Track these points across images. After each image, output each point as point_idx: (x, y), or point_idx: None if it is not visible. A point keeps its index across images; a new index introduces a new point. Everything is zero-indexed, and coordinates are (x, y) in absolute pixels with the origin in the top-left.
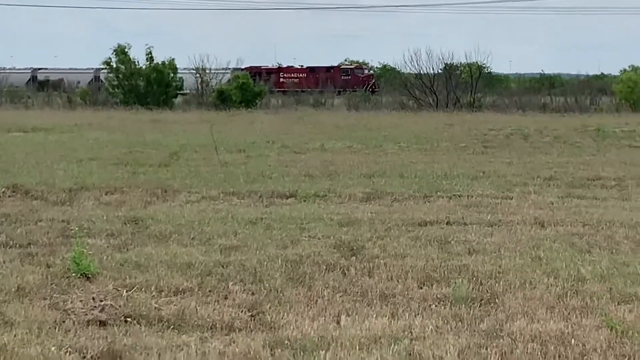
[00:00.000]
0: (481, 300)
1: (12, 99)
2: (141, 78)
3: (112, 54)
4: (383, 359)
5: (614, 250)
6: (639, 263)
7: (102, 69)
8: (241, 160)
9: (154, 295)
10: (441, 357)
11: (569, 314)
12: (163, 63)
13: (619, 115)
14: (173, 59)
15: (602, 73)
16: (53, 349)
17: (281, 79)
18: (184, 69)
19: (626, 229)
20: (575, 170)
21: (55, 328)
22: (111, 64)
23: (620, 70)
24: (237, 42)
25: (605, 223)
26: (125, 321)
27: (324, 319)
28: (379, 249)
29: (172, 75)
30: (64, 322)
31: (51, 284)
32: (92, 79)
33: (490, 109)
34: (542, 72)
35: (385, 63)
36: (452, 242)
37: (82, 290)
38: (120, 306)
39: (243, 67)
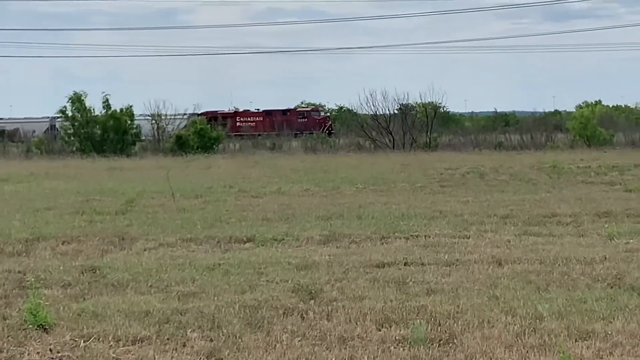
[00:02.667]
0: (440, 340)
1: None
2: (97, 126)
3: (68, 102)
4: None
5: (571, 287)
6: (595, 299)
7: (58, 117)
8: (198, 205)
9: (111, 345)
10: None
11: (527, 352)
12: (120, 110)
13: (574, 151)
14: (131, 106)
15: (556, 110)
16: None
17: (238, 123)
18: (140, 115)
19: (582, 266)
20: (531, 207)
21: None
22: (66, 112)
23: (576, 107)
24: (193, 87)
25: (561, 260)
26: None
27: None
28: (337, 292)
29: (129, 122)
30: None
31: (7, 337)
32: (48, 128)
33: (446, 148)
34: (496, 110)
35: (341, 105)
36: (410, 282)
37: (39, 342)
38: (77, 357)
39: (200, 112)
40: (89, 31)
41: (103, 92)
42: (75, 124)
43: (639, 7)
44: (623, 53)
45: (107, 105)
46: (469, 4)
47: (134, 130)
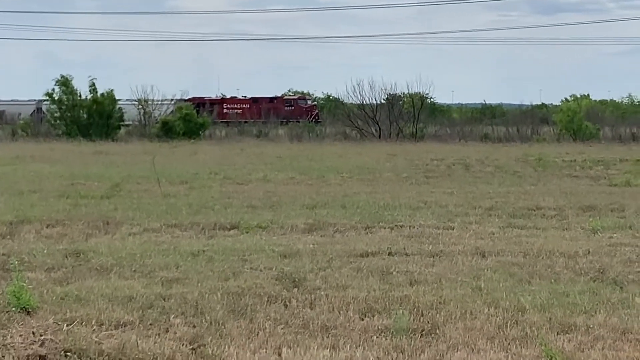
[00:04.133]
0: (422, 331)
1: None
2: (83, 110)
3: (56, 85)
4: None
5: (554, 280)
6: (578, 293)
7: (44, 100)
8: (184, 191)
9: (94, 329)
10: None
11: (508, 344)
12: (102, 95)
13: (560, 144)
14: (112, 90)
15: (543, 103)
16: None
17: (224, 110)
18: (127, 100)
19: (566, 259)
20: (516, 200)
21: None
22: (53, 95)
23: (562, 100)
24: (181, 73)
25: (545, 253)
26: (66, 355)
27: (265, 352)
28: (321, 281)
29: (112, 106)
30: (3, 357)
31: None
32: (34, 111)
33: (432, 139)
34: (484, 102)
35: (328, 93)
36: (394, 272)
37: (21, 324)
38: (60, 340)
39: (187, 98)
40: (76, 15)
41: (89, 76)
42: (62, 107)
43: (627, 2)
44: (611, 47)
45: (93, 89)
46: None
47: (118, 114)
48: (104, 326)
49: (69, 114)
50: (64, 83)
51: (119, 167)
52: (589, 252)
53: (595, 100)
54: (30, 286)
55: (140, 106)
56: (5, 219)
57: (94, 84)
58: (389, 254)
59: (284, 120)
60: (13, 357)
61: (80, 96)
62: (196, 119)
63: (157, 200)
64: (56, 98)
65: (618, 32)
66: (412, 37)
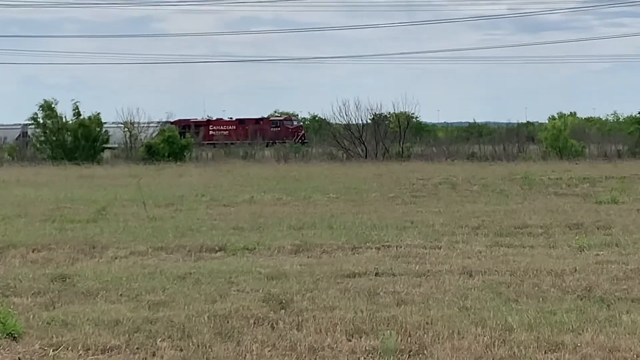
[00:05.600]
0: (410, 351)
1: None
2: (68, 133)
3: (39, 109)
4: None
5: (541, 299)
6: (565, 311)
7: (29, 124)
8: (170, 214)
9: (80, 354)
10: None
11: None
12: (89, 118)
13: (546, 162)
14: (98, 113)
15: (529, 121)
16: None
17: (210, 132)
18: (113, 122)
19: (553, 277)
20: (502, 218)
21: None
22: (38, 119)
23: (548, 118)
24: (166, 95)
25: (532, 271)
26: None
27: None
28: (308, 302)
29: (98, 130)
30: None
31: None
32: (19, 135)
33: (418, 158)
34: (473, 120)
35: (314, 114)
36: (381, 293)
37: (7, 350)
38: None
39: (172, 120)
40: (60, 38)
41: (73, 100)
42: (47, 131)
43: (611, 20)
44: (595, 65)
45: (77, 112)
46: (442, 15)
47: (103, 137)
48: (91, 351)
49: (54, 138)
50: (48, 107)
51: (104, 191)
52: (575, 270)
53: (580, 118)
54: (16, 311)
55: (126, 129)
56: None
57: (77, 107)
58: (375, 275)
59: (271, 141)
60: None
61: (65, 120)
62: (179, 141)
63: (143, 223)
64: (40, 122)
65: (602, 50)
66: (397, 56)
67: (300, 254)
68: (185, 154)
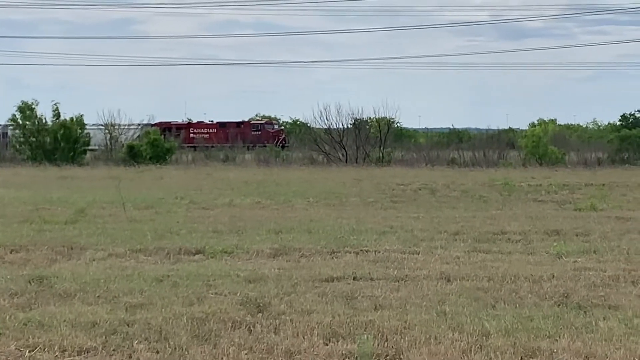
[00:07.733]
0: (386, 356)
1: None
2: (48, 134)
3: (17, 111)
4: None
5: (518, 305)
6: (542, 317)
7: (9, 125)
8: (149, 216)
9: (57, 356)
10: None
11: None
12: (71, 119)
13: (526, 169)
14: (81, 115)
15: (510, 127)
16: None
17: (191, 135)
18: (93, 124)
19: (530, 283)
20: (481, 224)
21: None
22: (17, 120)
23: (529, 125)
24: (147, 97)
25: (510, 277)
26: None
27: None
28: (286, 306)
29: (80, 131)
30: None
31: None
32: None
33: (399, 163)
34: (452, 126)
35: (295, 118)
36: (359, 297)
37: None
38: None
39: (153, 123)
40: (42, 39)
41: (53, 101)
42: (26, 132)
43: (593, 28)
44: (576, 72)
45: (57, 113)
46: (424, 20)
47: (85, 139)
48: (67, 352)
49: (33, 139)
50: (26, 108)
51: (84, 192)
52: (553, 276)
53: (561, 125)
54: None
55: (106, 131)
56: None
57: (57, 109)
58: (354, 279)
59: (251, 144)
60: None
61: (44, 121)
62: (163, 143)
63: (122, 225)
64: (20, 123)
65: (583, 58)
66: (379, 61)
67: (279, 258)
68: (167, 157)
